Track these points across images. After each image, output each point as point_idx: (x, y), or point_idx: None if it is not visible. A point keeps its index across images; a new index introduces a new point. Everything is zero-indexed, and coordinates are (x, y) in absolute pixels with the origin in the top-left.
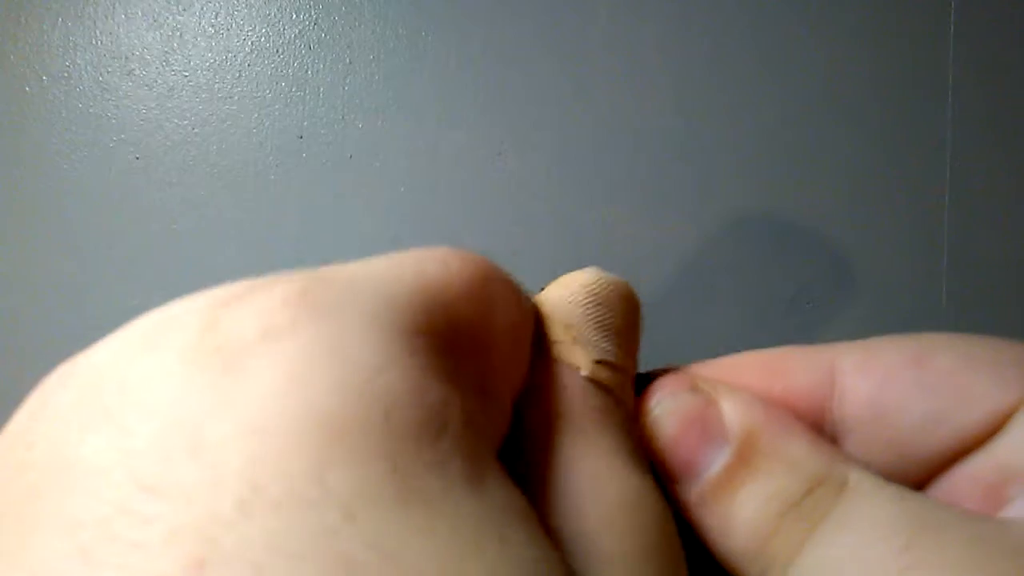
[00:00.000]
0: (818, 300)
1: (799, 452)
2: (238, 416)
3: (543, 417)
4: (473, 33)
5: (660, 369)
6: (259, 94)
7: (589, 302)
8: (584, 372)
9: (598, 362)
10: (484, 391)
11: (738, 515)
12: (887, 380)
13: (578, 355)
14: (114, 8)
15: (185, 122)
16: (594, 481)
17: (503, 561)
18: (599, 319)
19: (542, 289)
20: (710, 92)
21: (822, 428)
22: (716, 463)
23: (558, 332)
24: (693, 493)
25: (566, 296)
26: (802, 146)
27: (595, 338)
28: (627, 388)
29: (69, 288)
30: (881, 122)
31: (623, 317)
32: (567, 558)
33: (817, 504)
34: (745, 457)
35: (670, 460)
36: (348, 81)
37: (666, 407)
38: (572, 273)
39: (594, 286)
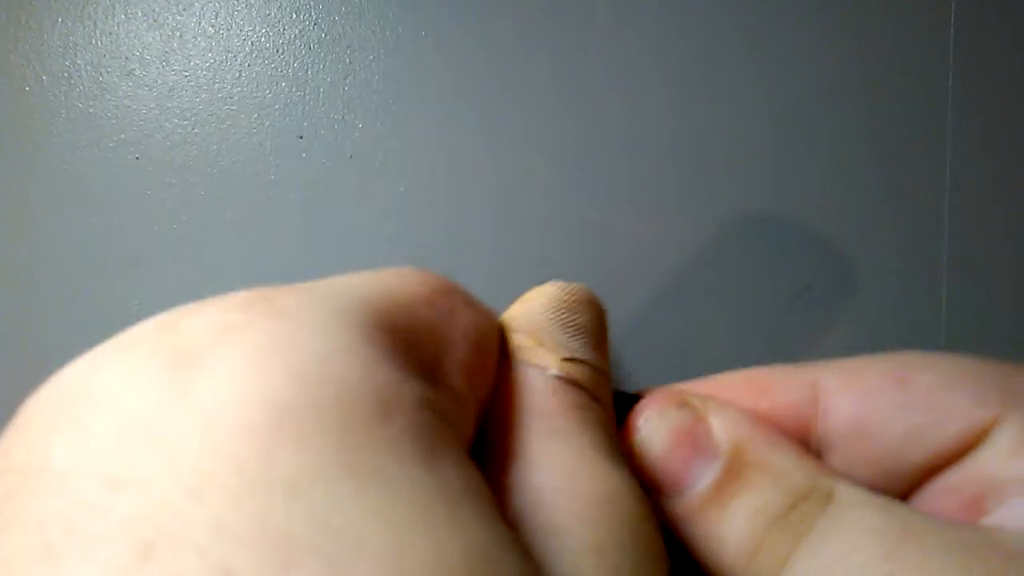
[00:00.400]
0: (818, 300)
1: (786, 465)
2: (193, 408)
3: (512, 418)
4: (473, 33)
5: (645, 389)
6: (259, 94)
7: (552, 307)
8: (552, 370)
9: (567, 360)
10: (443, 384)
11: (727, 528)
12: (869, 398)
13: (544, 355)
14: (114, 8)
15: (185, 122)
16: (570, 476)
17: (452, 539)
18: (564, 321)
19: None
20: (710, 92)
21: (807, 444)
22: (706, 477)
23: (524, 340)
24: (682, 506)
25: (530, 308)
26: (803, 146)
27: (562, 339)
28: (602, 385)
29: (69, 288)
30: (881, 122)
31: (589, 318)
32: (538, 549)
33: (804, 516)
34: (734, 471)
35: (660, 475)
36: (348, 81)
37: (655, 423)
38: (533, 289)
39: (556, 293)
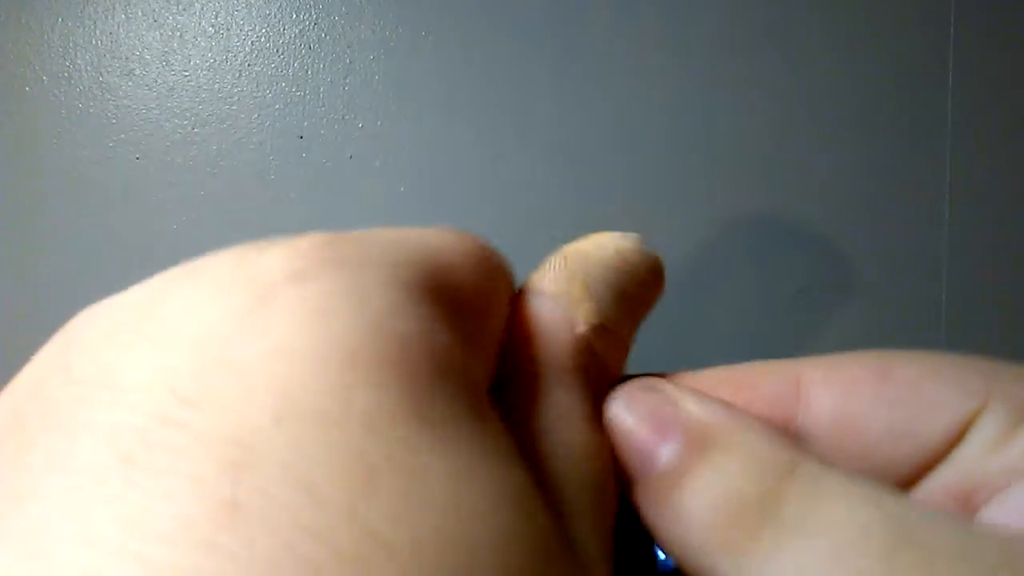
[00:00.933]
0: (818, 299)
1: (759, 445)
2: (269, 340)
3: (527, 366)
4: (473, 33)
5: (627, 375)
6: (259, 94)
7: (613, 265)
8: (579, 328)
9: (599, 325)
10: (477, 342)
11: (688, 506)
12: (850, 392)
13: (580, 310)
14: (114, 8)
15: (185, 122)
16: (572, 438)
17: (495, 481)
18: (616, 283)
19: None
20: (711, 93)
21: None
22: (669, 455)
23: (570, 287)
24: (647, 490)
25: (596, 254)
26: (802, 146)
27: (605, 300)
28: (615, 353)
29: (69, 288)
30: (881, 122)
31: (641, 288)
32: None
33: (776, 500)
34: (698, 448)
35: (627, 457)
36: (348, 81)
37: (620, 404)
38: (610, 233)
39: (621, 253)
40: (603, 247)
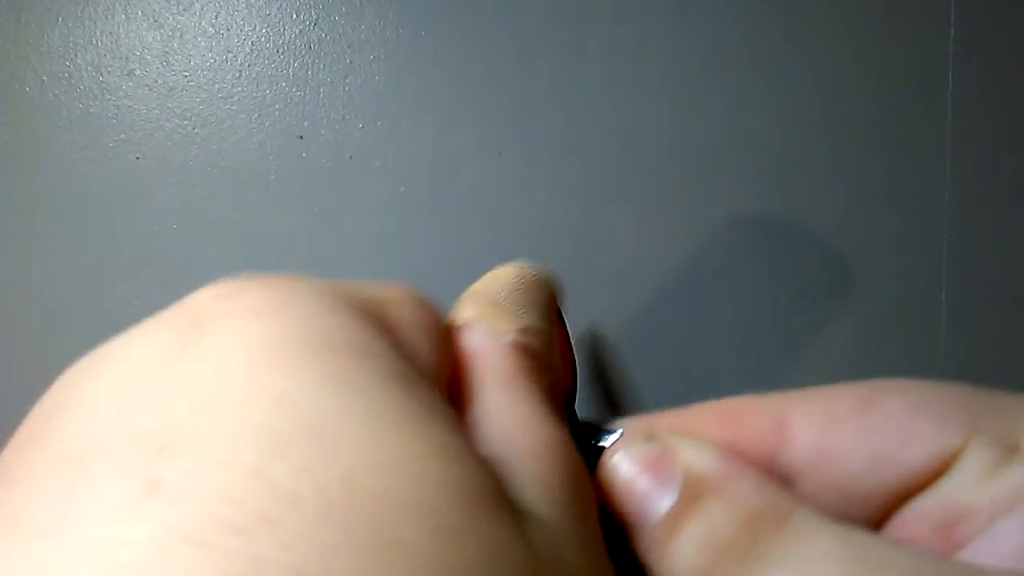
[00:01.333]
0: (818, 300)
1: (743, 491)
2: (193, 351)
3: (469, 377)
4: (473, 33)
5: (608, 422)
6: (259, 94)
7: (512, 284)
8: (508, 336)
9: (522, 329)
10: (413, 361)
11: (679, 556)
12: (832, 424)
13: (503, 323)
14: (114, 8)
15: (185, 122)
16: (521, 422)
17: (420, 438)
18: (521, 296)
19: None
20: (710, 92)
21: (774, 473)
22: (664, 505)
23: (487, 309)
24: (645, 539)
25: (494, 282)
26: (801, 146)
27: (519, 310)
28: (550, 354)
29: (69, 288)
30: (881, 122)
31: (543, 295)
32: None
33: (757, 541)
34: (690, 498)
35: (625, 506)
36: (348, 81)
37: (622, 455)
38: (497, 267)
39: (516, 272)
40: (500, 274)
